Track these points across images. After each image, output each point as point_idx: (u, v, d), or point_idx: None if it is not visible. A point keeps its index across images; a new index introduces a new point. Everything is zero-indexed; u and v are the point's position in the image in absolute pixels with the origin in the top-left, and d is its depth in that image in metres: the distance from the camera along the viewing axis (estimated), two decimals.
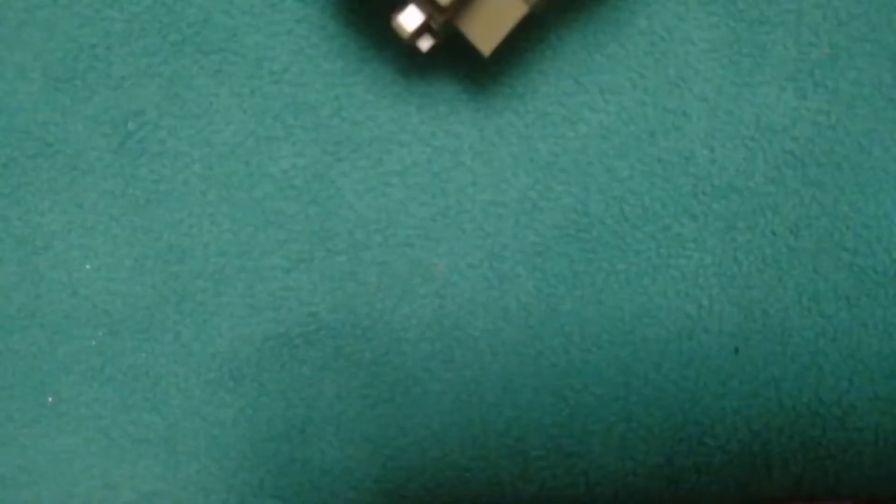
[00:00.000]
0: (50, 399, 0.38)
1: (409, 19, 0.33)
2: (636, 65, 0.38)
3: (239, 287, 0.38)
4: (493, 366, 0.38)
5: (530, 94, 0.38)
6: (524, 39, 0.37)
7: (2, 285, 0.37)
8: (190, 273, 0.38)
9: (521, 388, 0.38)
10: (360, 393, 0.38)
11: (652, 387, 0.38)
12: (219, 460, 0.38)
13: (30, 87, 0.37)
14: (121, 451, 0.38)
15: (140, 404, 0.38)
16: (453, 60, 0.38)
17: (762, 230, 0.38)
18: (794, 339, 0.38)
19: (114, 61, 0.37)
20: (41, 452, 0.38)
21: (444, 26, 0.33)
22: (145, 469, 0.38)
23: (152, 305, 0.38)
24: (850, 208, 0.38)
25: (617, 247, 0.38)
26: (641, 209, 0.38)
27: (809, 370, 0.38)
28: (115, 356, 0.38)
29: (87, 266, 0.37)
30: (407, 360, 0.38)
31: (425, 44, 0.34)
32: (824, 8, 0.37)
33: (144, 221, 0.37)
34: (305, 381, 0.38)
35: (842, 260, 0.38)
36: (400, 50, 0.37)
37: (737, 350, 0.38)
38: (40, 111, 0.37)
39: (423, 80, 0.37)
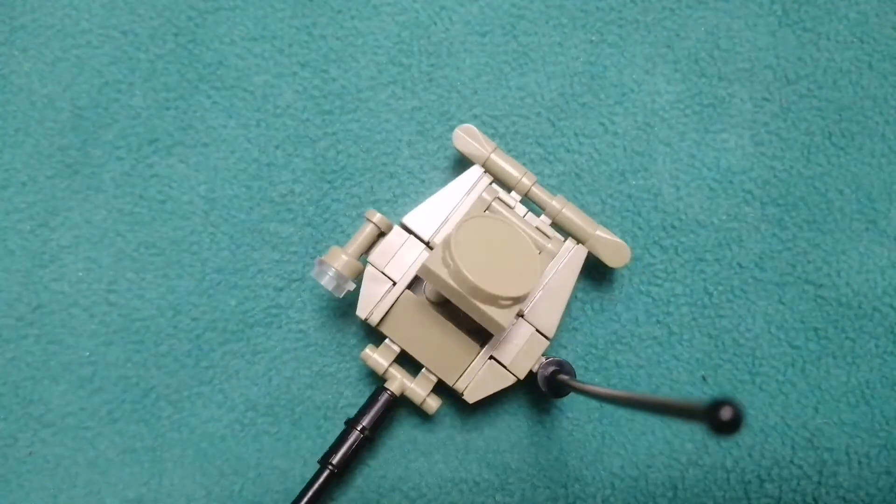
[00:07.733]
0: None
1: None
2: (607, 112, 0.41)
3: (232, 303, 0.39)
4: None
5: (511, 136, 0.41)
6: (503, 92, 0.41)
7: (6, 295, 0.39)
8: (186, 289, 0.39)
9: (501, 416, 0.39)
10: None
11: (623, 410, 0.39)
12: (203, 468, 0.38)
13: (57, 116, 0.40)
14: (106, 461, 0.38)
15: (128, 415, 0.38)
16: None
17: (729, 262, 0.40)
18: (764, 368, 0.40)
19: (136, 94, 0.40)
20: (24, 462, 0.38)
21: None
22: (130, 477, 0.38)
23: (148, 318, 0.39)
24: (809, 244, 0.41)
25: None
26: None
27: (776, 398, 0.39)
28: (107, 367, 0.39)
29: (90, 279, 0.39)
30: None
31: None
32: (774, 69, 0.42)
33: (148, 237, 0.40)
34: (293, 398, 0.39)
35: (806, 292, 0.40)
36: (393, 92, 0.41)
37: (704, 378, 0.40)
38: (65, 137, 0.40)
39: (414, 120, 0.41)
